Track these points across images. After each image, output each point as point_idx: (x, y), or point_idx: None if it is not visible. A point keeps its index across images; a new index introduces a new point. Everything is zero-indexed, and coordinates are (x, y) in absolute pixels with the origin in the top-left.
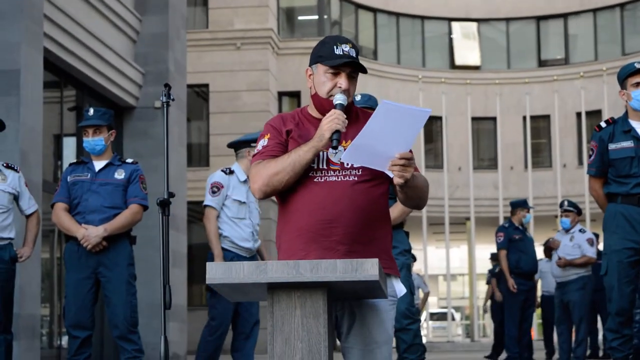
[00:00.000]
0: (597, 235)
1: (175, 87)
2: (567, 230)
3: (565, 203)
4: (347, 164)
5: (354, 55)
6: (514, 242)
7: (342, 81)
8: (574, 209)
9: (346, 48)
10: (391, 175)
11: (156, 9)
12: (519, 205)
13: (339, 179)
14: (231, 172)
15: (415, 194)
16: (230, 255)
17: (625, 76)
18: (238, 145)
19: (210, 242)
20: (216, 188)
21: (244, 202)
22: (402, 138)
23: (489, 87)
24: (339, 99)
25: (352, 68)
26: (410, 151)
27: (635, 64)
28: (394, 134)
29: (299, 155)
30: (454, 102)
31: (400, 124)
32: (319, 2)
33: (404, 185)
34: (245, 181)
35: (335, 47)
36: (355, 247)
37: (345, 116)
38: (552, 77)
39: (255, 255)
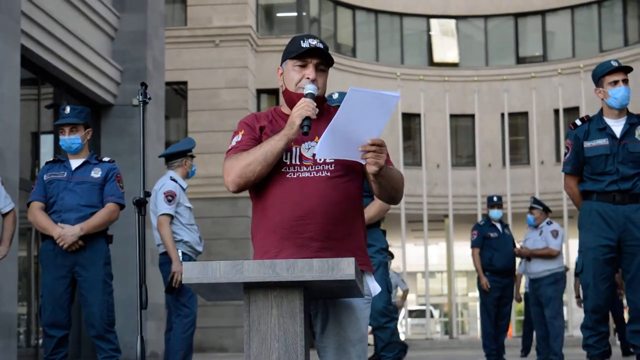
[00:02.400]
0: None
1: (154, 85)
2: (535, 227)
3: (531, 200)
4: (320, 159)
5: (322, 48)
6: (488, 240)
7: (309, 72)
8: (539, 206)
9: (313, 42)
10: (363, 162)
11: (134, 7)
12: (487, 202)
13: (312, 175)
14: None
15: (389, 185)
16: (189, 259)
17: (602, 74)
18: (172, 156)
19: (168, 248)
20: (171, 197)
21: (192, 208)
22: (372, 124)
23: (467, 84)
24: (308, 88)
25: (319, 59)
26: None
27: (612, 62)
28: (364, 120)
29: (271, 145)
30: (433, 99)
31: (370, 110)
32: None
33: (377, 175)
34: (186, 189)
35: (302, 41)
36: (329, 244)
37: (315, 104)
38: (530, 74)
39: None
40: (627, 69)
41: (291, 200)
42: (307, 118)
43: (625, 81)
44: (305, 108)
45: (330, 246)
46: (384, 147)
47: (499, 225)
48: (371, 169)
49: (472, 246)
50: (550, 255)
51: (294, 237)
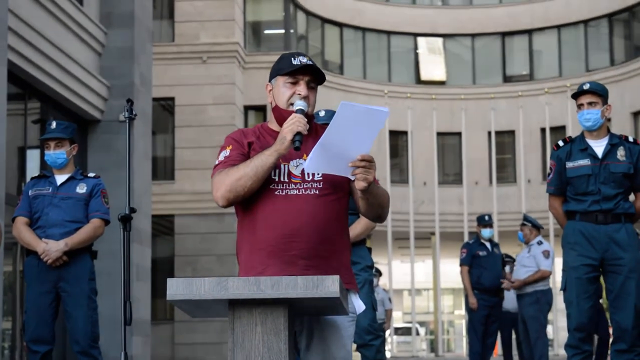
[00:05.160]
0: None
1: (141, 101)
2: (525, 243)
3: (522, 217)
4: (308, 177)
5: (314, 65)
6: (477, 259)
7: (301, 88)
8: (528, 223)
9: (304, 59)
10: (352, 178)
11: (122, 23)
12: (477, 220)
13: (300, 192)
14: None
15: (376, 202)
16: None
17: (574, 97)
18: None
19: None
20: None
21: None
22: (361, 140)
23: (454, 102)
24: (299, 104)
25: (310, 77)
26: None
27: (584, 85)
28: (354, 136)
29: (262, 160)
30: (420, 117)
31: (360, 126)
32: (285, 16)
33: (366, 191)
34: None
35: (292, 58)
36: (315, 262)
37: (306, 120)
38: (516, 93)
39: None
40: (593, 91)
41: (279, 218)
42: (298, 133)
43: (592, 104)
44: (296, 123)
45: (316, 264)
46: (373, 162)
47: (488, 244)
48: (360, 184)
49: (461, 264)
50: (543, 277)
51: (281, 255)
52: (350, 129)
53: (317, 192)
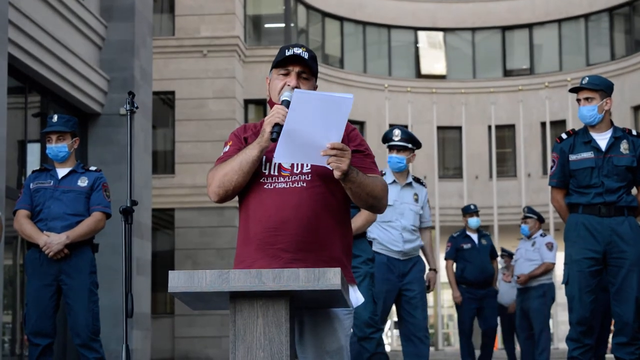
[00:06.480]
0: None
1: (141, 94)
2: (529, 237)
3: (525, 209)
4: (297, 170)
5: (305, 57)
6: (461, 252)
7: (290, 79)
8: (533, 215)
9: (298, 50)
10: (330, 168)
11: (122, 16)
12: (462, 211)
13: (288, 186)
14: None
15: (363, 191)
16: (382, 259)
17: (573, 92)
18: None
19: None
20: None
21: (391, 205)
22: (330, 128)
23: (454, 96)
24: (285, 95)
25: (301, 67)
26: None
27: (582, 80)
28: (321, 124)
29: (245, 154)
30: (420, 111)
31: (323, 113)
32: (286, 10)
33: (345, 180)
34: (394, 182)
35: (286, 50)
36: (300, 255)
37: (286, 110)
38: (517, 87)
39: (412, 258)
40: (589, 87)
41: (266, 211)
42: (276, 124)
43: (589, 99)
44: (275, 115)
45: (302, 257)
46: (346, 151)
47: (474, 236)
48: (335, 173)
49: (446, 258)
50: (547, 270)
51: (267, 249)
52: (313, 116)
53: (304, 184)
